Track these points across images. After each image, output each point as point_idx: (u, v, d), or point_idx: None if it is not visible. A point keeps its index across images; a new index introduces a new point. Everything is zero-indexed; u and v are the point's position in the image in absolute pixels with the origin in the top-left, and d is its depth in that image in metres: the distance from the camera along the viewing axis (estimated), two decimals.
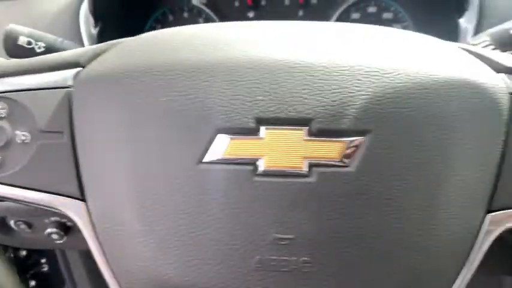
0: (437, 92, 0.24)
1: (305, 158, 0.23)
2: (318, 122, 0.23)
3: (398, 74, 0.24)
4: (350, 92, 0.24)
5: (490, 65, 0.26)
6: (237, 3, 0.61)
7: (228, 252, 0.23)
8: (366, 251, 0.23)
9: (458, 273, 0.25)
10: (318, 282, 0.23)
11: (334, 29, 0.27)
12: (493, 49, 0.38)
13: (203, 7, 0.62)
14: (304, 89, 0.23)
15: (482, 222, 0.25)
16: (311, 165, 0.23)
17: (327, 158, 0.23)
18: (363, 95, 0.23)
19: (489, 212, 0.25)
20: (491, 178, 0.24)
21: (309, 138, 0.23)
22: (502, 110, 0.25)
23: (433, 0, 0.56)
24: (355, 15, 0.61)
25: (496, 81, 0.25)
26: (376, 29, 0.27)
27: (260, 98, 0.23)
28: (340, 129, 0.23)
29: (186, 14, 0.62)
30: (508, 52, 0.37)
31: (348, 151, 0.23)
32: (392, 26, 0.60)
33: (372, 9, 0.60)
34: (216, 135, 0.23)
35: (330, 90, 0.24)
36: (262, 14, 0.61)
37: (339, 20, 0.61)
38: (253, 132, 0.23)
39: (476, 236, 0.25)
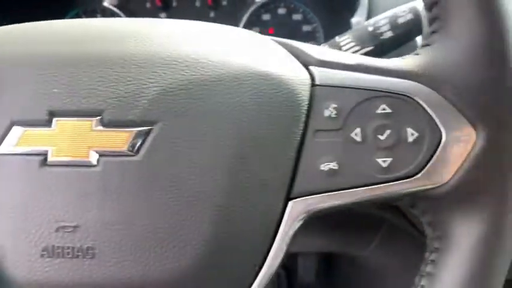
0: (231, 83, 0.24)
1: (92, 148, 0.23)
2: (109, 113, 0.24)
3: (196, 66, 0.25)
4: (144, 84, 0.24)
5: (300, 58, 0.27)
6: (148, 5, 0.62)
7: (15, 241, 0.23)
8: (150, 238, 0.23)
9: (262, 260, 0.25)
10: (100, 269, 0.23)
11: (143, 23, 0.27)
12: (354, 46, 0.39)
13: (115, 9, 0.62)
14: (100, 81, 0.24)
15: (283, 210, 0.25)
16: (99, 155, 0.23)
17: (113, 148, 0.23)
18: (156, 86, 0.24)
19: (290, 199, 0.25)
20: (289, 166, 0.25)
21: (97, 128, 0.23)
22: (301, 101, 0.25)
23: (333, 1, 0.57)
24: (266, 17, 0.62)
25: (297, 74, 0.26)
26: (188, 22, 0.28)
27: (56, 90, 0.24)
28: (128, 119, 0.23)
29: (99, 16, 0.63)
30: (366, 48, 0.39)
31: (135, 141, 0.23)
32: (302, 27, 0.61)
33: (281, 11, 0.61)
34: (11, 127, 0.24)
35: (124, 82, 0.24)
36: (174, 15, 0.62)
37: (250, 21, 0.62)
38: (46, 124, 0.24)
39: (278, 225, 0.25)
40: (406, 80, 0.25)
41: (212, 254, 0.24)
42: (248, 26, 0.61)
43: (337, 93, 0.25)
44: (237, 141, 0.24)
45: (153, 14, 0.61)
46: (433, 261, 0.26)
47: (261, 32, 0.61)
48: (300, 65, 0.27)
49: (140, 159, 0.23)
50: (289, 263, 1.09)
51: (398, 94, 0.25)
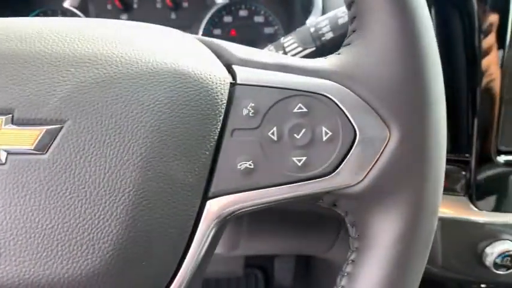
0: (145, 81, 0.24)
1: (1, 146, 0.23)
2: (19, 111, 0.23)
3: (110, 64, 0.24)
4: (56, 82, 0.24)
5: (222, 57, 0.27)
6: (109, 6, 0.61)
7: None
8: (58, 237, 0.23)
9: (180, 260, 0.25)
10: (5, 268, 0.23)
11: (61, 21, 0.27)
12: (297, 47, 0.39)
13: (75, 10, 0.62)
14: (11, 80, 0.24)
15: (201, 209, 0.25)
16: (7, 153, 0.23)
17: (21, 146, 0.23)
18: (68, 84, 0.24)
19: (208, 199, 0.25)
20: (206, 166, 0.25)
21: (7, 127, 0.23)
22: (219, 100, 0.25)
23: (291, 3, 0.58)
24: (227, 19, 0.62)
25: (217, 72, 0.26)
26: (108, 21, 0.28)
27: None
28: (38, 118, 0.23)
29: (60, 17, 0.62)
30: (309, 49, 0.39)
31: (44, 139, 0.23)
32: (263, 30, 0.61)
33: (243, 13, 0.62)
34: None
35: (36, 81, 0.24)
36: (135, 16, 0.61)
37: (211, 22, 0.62)
38: None
39: (196, 224, 0.25)
40: (323, 80, 0.25)
41: (123, 254, 0.23)
42: (209, 27, 0.61)
43: (255, 92, 0.25)
44: (150, 139, 0.24)
45: (114, 15, 0.61)
46: (353, 261, 0.26)
47: (222, 34, 0.62)
48: (221, 64, 0.27)
49: (48, 158, 0.23)
50: (266, 264, 1.10)
51: (315, 93, 0.25)
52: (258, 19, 0.61)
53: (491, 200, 0.49)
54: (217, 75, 0.26)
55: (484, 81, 0.45)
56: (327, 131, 0.25)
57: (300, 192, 0.25)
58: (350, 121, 0.25)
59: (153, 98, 0.24)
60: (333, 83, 0.25)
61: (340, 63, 0.26)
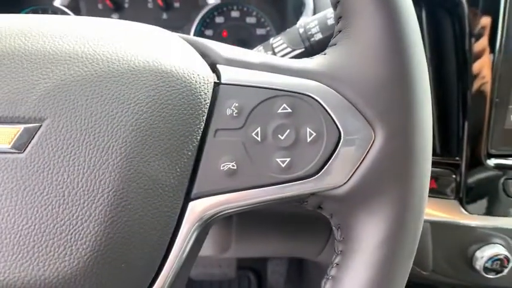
0: (127, 80, 0.24)
1: None
2: None
3: (90, 62, 0.24)
4: (35, 80, 0.23)
5: (207, 56, 0.27)
6: (100, 6, 0.61)
7: None
8: (34, 238, 0.22)
9: (161, 262, 0.25)
10: None
11: (41, 19, 0.27)
12: (286, 47, 0.38)
13: (66, 9, 0.61)
14: None
15: (182, 211, 0.25)
16: None
17: None
18: (47, 82, 0.23)
19: (190, 200, 0.25)
20: (189, 166, 0.24)
21: None
22: (202, 100, 0.25)
23: (283, 5, 0.57)
24: (219, 19, 0.61)
25: (201, 72, 0.25)
26: (92, 19, 0.27)
27: None
28: (16, 116, 0.23)
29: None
30: (298, 50, 0.38)
31: (21, 138, 0.23)
32: (255, 31, 0.61)
33: (235, 14, 0.61)
34: None
35: (15, 78, 0.23)
36: (126, 16, 0.61)
37: (202, 23, 0.61)
38: None
39: (178, 226, 0.25)
40: (308, 80, 0.25)
41: (102, 256, 0.23)
42: (201, 28, 0.60)
43: (240, 92, 0.25)
44: (130, 139, 0.23)
45: (105, 15, 0.61)
46: (337, 264, 0.26)
47: (214, 35, 0.62)
48: (205, 64, 0.26)
49: (26, 157, 0.22)
50: (259, 267, 1.09)
51: (299, 93, 0.25)
52: (250, 20, 0.61)
53: (482, 203, 0.49)
54: (201, 74, 0.25)
55: (475, 84, 0.45)
56: (311, 131, 0.24)
57: (284, 194, 0.24)
58: (334, 121, 0.24)
59: (134, 97, 0.24)
60: (317, 83, 0.25)
61: (325, 64, 0.25)
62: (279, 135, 0.24)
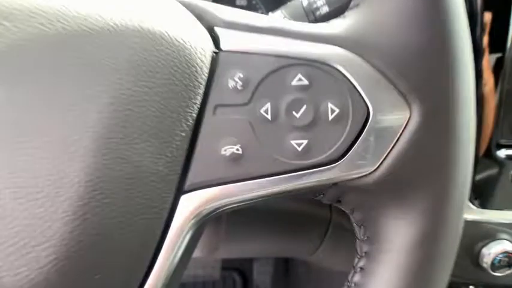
0: (103, 41, 0.19)
1: None
2: None
3: (59, 19, 0.19)
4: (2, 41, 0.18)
5: (203, 19, 0.22)
6: None
7: None
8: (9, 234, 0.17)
9: (148, 267, 0.20)
10: None
11: None
12: None
13: None
14: None
15: (174, 205, 0.20)
16: None
17: None
18: (1, 42, 0.18)
19: (183, 192, 0.20)
20: (182, 151, 0.20)
21: None
22: (199, 69, 0.20)
23: None
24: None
25: (197, 37, 0.21)
26: None
27: None
28: None
29: None
30: None
31: None
32: None
33: None
34: None
35: None
36: None
37: None
38: None
39: (167, 226, 0.20)
40: (327, 45, 0.21)
41: (70, 265, 0.18)
42: None
43: (244, 61, 0.21)
44: (107, 115, 0.18)
45: None
46: (361, 268, 0.22)
47: None
48: (202, 28, 0.22)
49: None
50: (244, 267, 1.05)
51: (318, 62, 0.20)
52: (241, 2, 0.57)
53: (490, 197, 0.47)
54: (197, 39, 0.21)
55: (485, 73, 0.42)
56: (334, 107, 0.20)
57: (300, 184, 0.20)
58: (361, 95, 0.20)
59: (114, 63, 0.19)
60: (340, 49, 0.20)
61: (347, 28, 0.21)
62: (294, 113, 0.20)
